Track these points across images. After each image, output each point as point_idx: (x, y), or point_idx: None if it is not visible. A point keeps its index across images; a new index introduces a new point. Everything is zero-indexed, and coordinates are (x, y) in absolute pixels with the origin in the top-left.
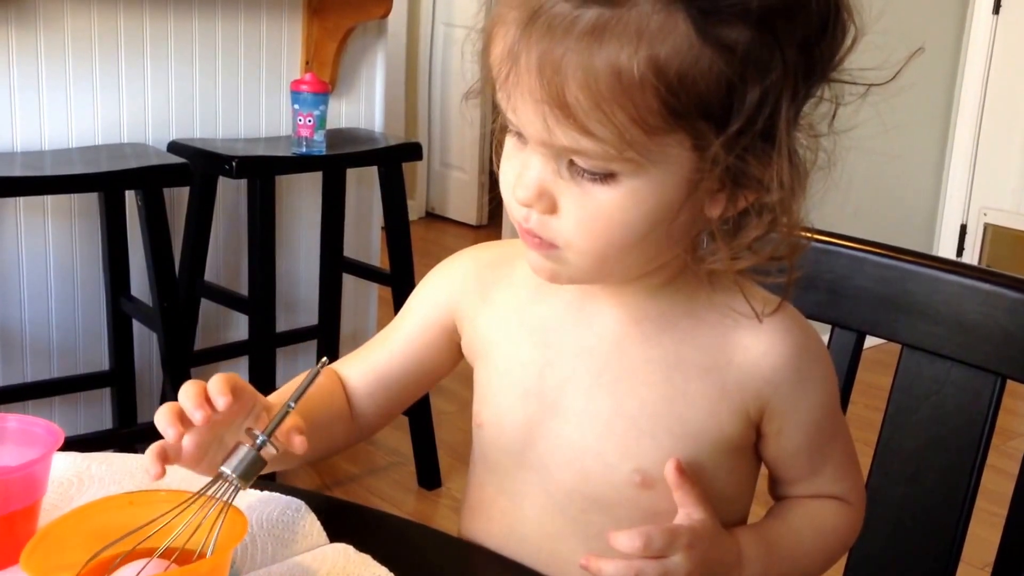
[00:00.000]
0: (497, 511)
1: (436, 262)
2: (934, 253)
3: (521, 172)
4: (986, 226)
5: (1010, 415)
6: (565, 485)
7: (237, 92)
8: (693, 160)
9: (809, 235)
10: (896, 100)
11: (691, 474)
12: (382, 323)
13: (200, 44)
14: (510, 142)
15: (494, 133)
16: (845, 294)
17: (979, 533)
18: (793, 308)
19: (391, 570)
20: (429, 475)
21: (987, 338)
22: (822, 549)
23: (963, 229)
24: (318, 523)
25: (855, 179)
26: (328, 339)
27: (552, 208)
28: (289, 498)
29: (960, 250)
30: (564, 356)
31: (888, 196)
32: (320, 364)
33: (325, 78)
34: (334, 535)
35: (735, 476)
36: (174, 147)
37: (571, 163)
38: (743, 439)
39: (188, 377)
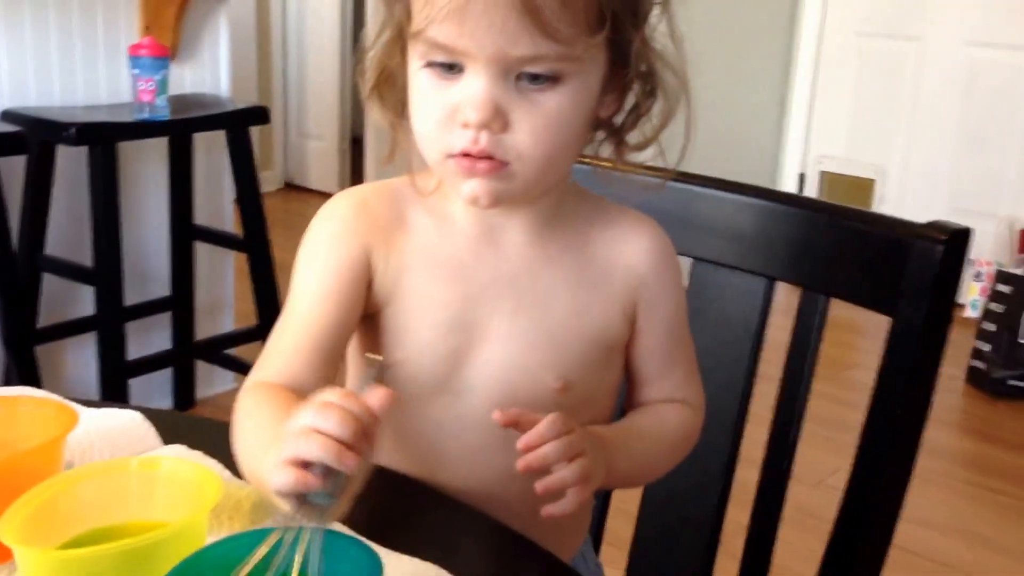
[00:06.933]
0: (412, 438)
1: (298, 234)
2: None
3: (464, 99)
4: (822, 173)
5: (844, 348)
6: (491, 401)
7: (73, 58)
8: (608, 57)
9: (608, 163)
10: (739, 51)
11: (566, 384)
12: (240, 292)
13: (31, 7)
14: (428, 80)
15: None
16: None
17: (812, 455)
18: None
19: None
20: None
21: (757, 247)
22: (668, 444)
23: (802, 178)
24: (153, 429)
25: (700, 129)
26: (182, 310)
27: (505, 125)
28: (126, 410)
29: None
30: (485, 287)
31: (731, 145)
32: (378, 359)
33: (166, 43)
34: (169, 441)
35: (618, 374)
36: (8, 116)
37: (518, 77)
38: (625, 337)
39: (32, 355)
